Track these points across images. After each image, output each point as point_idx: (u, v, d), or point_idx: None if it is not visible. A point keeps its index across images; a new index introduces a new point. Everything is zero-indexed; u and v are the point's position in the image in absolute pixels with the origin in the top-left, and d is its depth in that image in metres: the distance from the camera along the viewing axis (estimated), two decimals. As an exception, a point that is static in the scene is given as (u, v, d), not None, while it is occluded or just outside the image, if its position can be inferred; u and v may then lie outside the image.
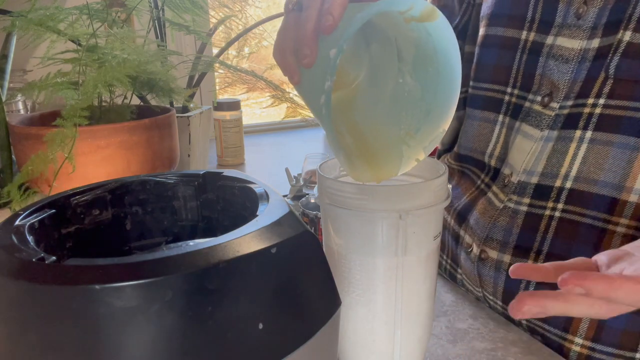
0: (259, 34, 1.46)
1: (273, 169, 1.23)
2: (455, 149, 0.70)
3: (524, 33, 0.57)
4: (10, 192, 0.66)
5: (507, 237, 0.57)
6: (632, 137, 0.48)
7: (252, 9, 1.61)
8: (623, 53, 0.48)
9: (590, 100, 0.50)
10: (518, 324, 0.57)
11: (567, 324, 0.53)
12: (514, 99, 0.59)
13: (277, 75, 1.69)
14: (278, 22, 1.37)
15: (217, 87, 1.62)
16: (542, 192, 0.54)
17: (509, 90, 0.59)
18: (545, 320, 0.54)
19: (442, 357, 0.50)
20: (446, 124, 0.43)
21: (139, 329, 0.26)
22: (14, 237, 0.31)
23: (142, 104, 0.96)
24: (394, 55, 0.45)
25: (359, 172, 0.43)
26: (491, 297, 0.59)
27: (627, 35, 0.47)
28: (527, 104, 0.56)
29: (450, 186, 0.43)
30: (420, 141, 0.44)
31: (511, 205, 0.57)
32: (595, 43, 0.50)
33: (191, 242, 0.46)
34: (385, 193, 0.39)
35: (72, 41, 0.80)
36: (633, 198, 0.49)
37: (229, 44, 1.19)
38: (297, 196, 0.92)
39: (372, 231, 0.40)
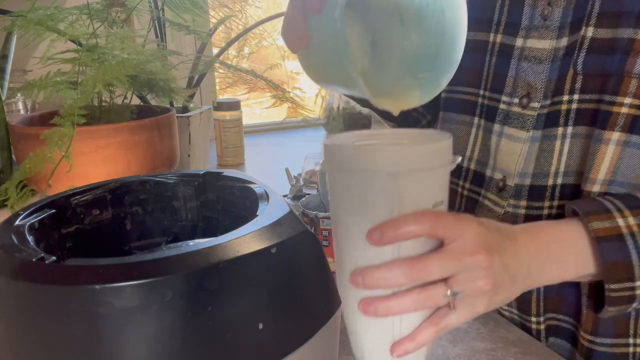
0: (259, 34, 1.46)
1: (273, 169, 1.23)
2: None
3: (492, 35, 0.58)
4: (7, 190, 0.66)
5: None
6: (603, 130, 0.49)
7: (252, 9, 1.61)
8: (588, 49, 0.49)
9: (566, 97, 0.52)
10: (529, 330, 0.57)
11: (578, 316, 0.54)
12: (486, 101, 0.60)
13: (277, 75, 1.69)
14: (278, 22, 1.37)
15: (218, 87, 1.62)
16: (537, 192, 0.55)
17: (481, 92, 0.60)
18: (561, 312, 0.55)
19: (442, 357, 0.50)
20: (459, 53, 0.43)
21: (139, 329, 0.26)
22: (14, 237, 0.31)
23: (142, 104, 0.96)
24: (397, 25, 0.46)
25: (379, 99, 0.43)
26: (506, 307, 0.59)
27: (590, 31, 0.49)
28: (502, 106, 0.57)
29: (458, 158, 0.42)
30: (436, 76, 0.45)
31: (510, 209, 0.57)
32: (564, 42, 0.51)
33: (191, 242, 0.46)
34: (379, 154, 0.39)
35: (72, 41, 0.80)
36: (599, 189, 0.49)
37: (229, 44, 1.19)
38: (297, 196, 0.92)
39: (366, 193, 0.39)
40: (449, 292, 0.38)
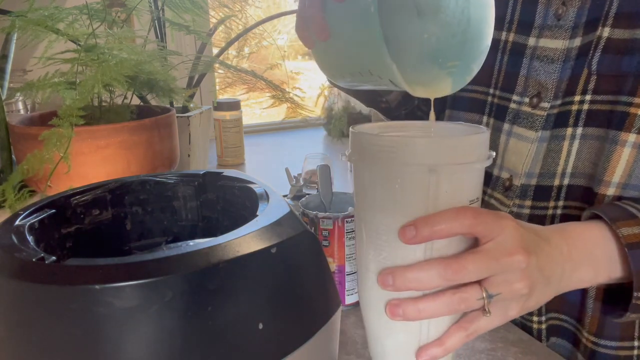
0: (259, 34, 1.46)
1: (273, 169, 1.23)
2: None
3: (504, 34, 0.58)
4: (4, 190, 0.66)
5: None
6: (619, 131, 0.48)
7: (252, 9, 1.61)
8: (603, 49, 0.49)
9: (577, 98, 0.51)
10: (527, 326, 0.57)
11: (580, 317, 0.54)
12: (496, 100, 0.59)
13: (277, 75, 1.69)
14: (278, 22, 1.37)
15: (217, 87, 1.62)
16: (542, 192, 0.55)
17: (491, 91, 0.60)
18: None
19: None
20: (488, 38, 0.42)
21: (139, 329, 0.26)
22: (14, 237, 0.31)
23: (142, 104, 0.96)
24: (414, 17, 0.45)
25: (413, 87, 0.41)
26: None
27: (606, 32, 0.48)
28: (513, 105, 0.57)
29: (493, 153, 0.39)
30: (466, 62, 0.43)
31: (515, 209, 0.57)
32: (577, 42, 0.51)
33: (191, 242, 0.46)
34: (416, 146, 0.36)
35: (73, 41, 0.80)
36: (614, 192, 0.49)
37: (229, 44, 1.19)
38: (297, 196, 0.92)
39: (399, 187, 0.36)
40: (484, 295, 0.36)
